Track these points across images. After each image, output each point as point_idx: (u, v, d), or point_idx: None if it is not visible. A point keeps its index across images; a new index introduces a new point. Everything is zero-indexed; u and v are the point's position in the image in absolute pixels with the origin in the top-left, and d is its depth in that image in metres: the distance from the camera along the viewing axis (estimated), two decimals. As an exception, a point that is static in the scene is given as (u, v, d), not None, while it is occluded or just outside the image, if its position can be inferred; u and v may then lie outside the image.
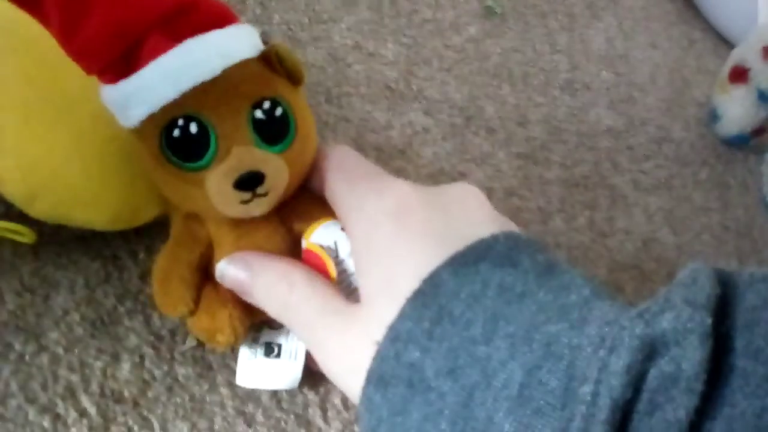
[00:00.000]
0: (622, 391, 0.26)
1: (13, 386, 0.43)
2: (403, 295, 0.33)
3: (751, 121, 0.80)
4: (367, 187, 0.39)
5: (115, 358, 0.46)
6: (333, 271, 0.39)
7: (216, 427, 0.45)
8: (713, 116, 0.83)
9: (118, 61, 0.37)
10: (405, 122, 0.66)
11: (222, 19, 0.38)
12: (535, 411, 0.28)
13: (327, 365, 0.37)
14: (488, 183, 0.66)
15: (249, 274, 0.40)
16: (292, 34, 0.69)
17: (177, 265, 0.43)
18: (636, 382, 0.27)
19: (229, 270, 0.41)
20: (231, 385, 0.47)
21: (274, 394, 0.47)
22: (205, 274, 0.43)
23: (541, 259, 0.34)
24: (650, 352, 0.27)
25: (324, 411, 0.47)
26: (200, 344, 0.47)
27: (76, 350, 0.46)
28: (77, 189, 0.44)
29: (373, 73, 0.69)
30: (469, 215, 0.37)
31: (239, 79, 0.38)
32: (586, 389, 0.27)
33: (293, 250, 0.42)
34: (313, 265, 0.41)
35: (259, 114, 0.38)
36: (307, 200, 0.43)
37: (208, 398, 0.46)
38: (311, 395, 0.48)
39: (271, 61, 0.39)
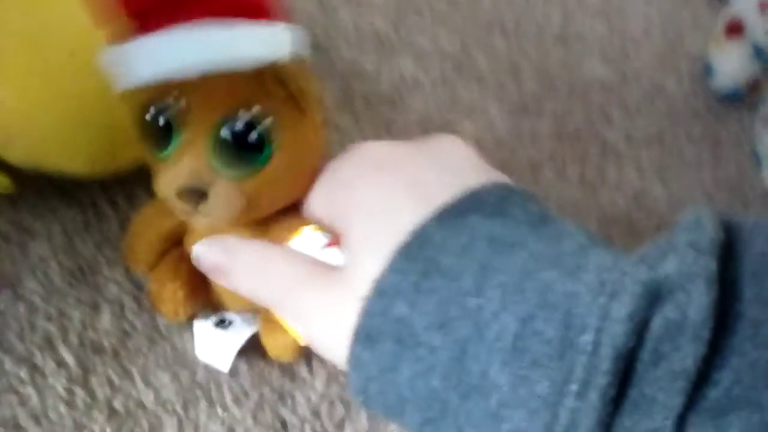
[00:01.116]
0: (625, 340, 0.25)
1: (-11, 336, 0.42)
2: (389, 249, 0.32)
3: (746, 76, 0.79)
4: (338, 159, 0.37)
5: (95, 308, 0.45)
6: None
7: (198, 378, 0.44)
8: (707, 71, 0.81)
9: (129, 21, 0.34)
10: (394, 71, 0.65)
11: (245, 12, 0.34)
12: (532, 363, 0.27)
13: (312, 333, 0.35)
14: (478, 134, 0.64)
15: (227, 256, 0.38)
16: (278, -21, 0.67)
17: (148, 229, 0.42)
18: (639, 330, 0.25)
19: (206, 253, 0.38)
20: (214, 336, 0.46)
21: (258, 345, 0.46)
22: (174, 243, 0.42)
23: (533, 209, 0.32)
24: (653, 298, 0.25)
25: (309, 362, 0.47)
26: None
27: (54, 300, 0.44)
28: (52, 132, 0.43)
29: (362, 22, 0.67)
30: (456, 166, 0.35)
31: (218, 90, 0.34)
32: (587, 338, 0.25)
33: None
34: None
35: (225, 134, 0.35)
36: (291, 216, 0.39)
37: (190, 349, 0.45)
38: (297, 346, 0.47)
39: (268, 81, 0.35)
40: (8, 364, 0.42)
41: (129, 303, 0.45)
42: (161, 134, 0.35)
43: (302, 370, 0.46)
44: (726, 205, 0.70)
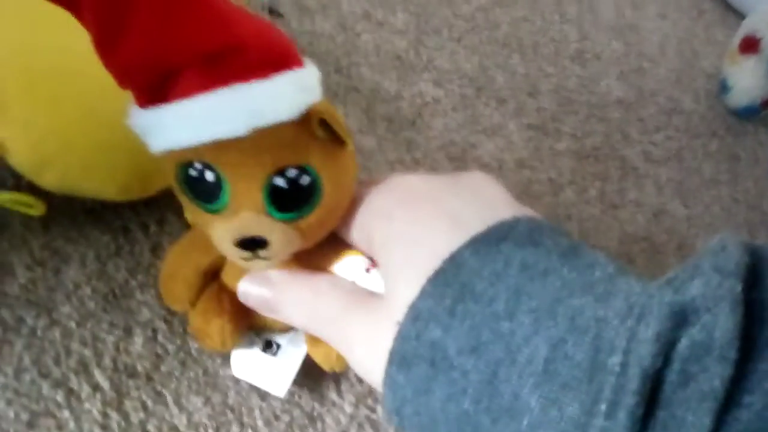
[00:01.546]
0: (653, 361, 0.25)
1: (26, 361, 0.43)
2: (424, 275, 0.32)
3: (762, 92, 0.79)
4: (375, 191, 0.38)
5: (128, 332, 0.45)
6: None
7: (230, 401, 0.45)
8: (723, 87, 0.82)
9: (150, 87, 0.33)
10: (415, 92, 0.66)
11: (277, 62, 0.34)
12: (562, 386, 0.27)
13: (353, 358, 0.36)
14: (499, 154, 0.65)
15: (273, 290, 0.39)
16: (300, 2, 0.67)
17: (185, 265, 0.42)
18: (666, 352, 0.26)
19: (252, 289, 0.40)
20: (245, 359, 0.46)
21: (288, 368, 0.47)
22: (212, 277, 0.42)
23: (563, 241, 0.33)
24: (680, 320, 0.26)
25: (338, 384, 0.47)
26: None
27: (89, 324, 0.45)
28: (86, 158, 0.44)
29: (382, 43, 0.68)
30: (488, 200, 0.36)
31: (266, 144, 0.34)
32: (615, 360, 0.26)
33: None
34: None
35: (279, 182, 0.35)
36: (331, 240, 0.40)
37: (221, 372, 0.46)
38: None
39: (313, 123, 0.34)
40: (45, 389, 0.42)
41: (161, 326, 0.46)
42: (209, 188, 0.35)
43: (331, 393, 0.47)
44: (744, 221, 0.70)
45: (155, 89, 0.33)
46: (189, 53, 0.32)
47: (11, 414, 0.41)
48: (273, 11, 0.62)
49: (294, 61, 0.34)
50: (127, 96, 0.39)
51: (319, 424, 0.46)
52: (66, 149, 0.44)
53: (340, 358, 0.43)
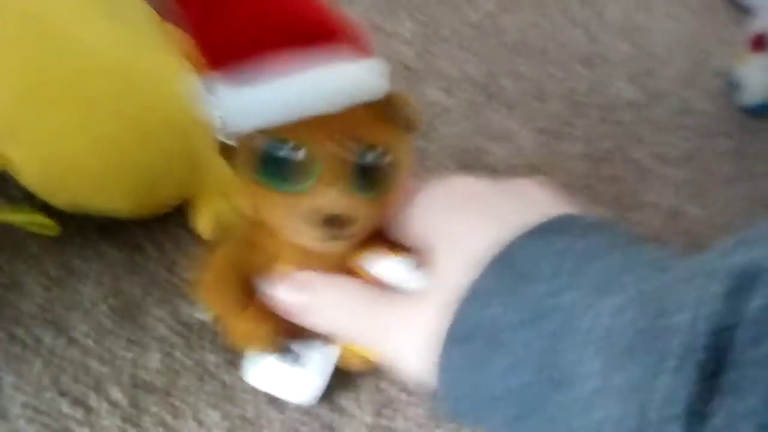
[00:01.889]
0: (723, 317, 0.24)
1: (46, 379, 0.43)
2: (479, 261, 0.32)
3: (773, 89, 0.79)
4: (433, 189, 0.38)
5: (145, 348, 0.46)
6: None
7: (248, 414, 0.45)
8: (734, 86, 0.81)
9: (244, 65, 0.35)
10: (424, 101, 0.66)
11: (357, 50, 0.36)
12: (625, 350, 0.26)
13: (390, 346, 0.35)
14: (510, 160, 0.65)
15: (306, 295, 0.38)
16: (307, 15, 0.68)
17: (234, 269, 0.41)
18: (736, 311, 0.24)
19: (284, 295, 0.39)
20: (262, 372, 0.46)
21: (306, 379, 0.46)
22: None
23: (624, 234, 0.32)
24: (751, 280, 0.25)
25: (357, 394, 0.47)
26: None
27: (106, 342, 0.45)
28: (96, 178, 0.44)
29: (391, 53, 0.68)
30: (543, 202, 0.35)
31: (356, 121, 0.35)
32: (684, 316, 0.25)
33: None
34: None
35: (367, 159, 0.36)
36: (379, 237, 0.40)
37: (239, 386, 0.45)
38: (343, 379, 0.47)
39: (390, 108, 0.36)
40: (65, 407, 0.42)
41: (177, 342, 0.46)
42: (295, 169, 0.35)
43: (351, 405, 0.46)
44: (761, 220, 0.69)
45: (248, 68, 0.35)
46: (284, 35, 0.34)
47: (31, 433, 0.41)
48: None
49: (370, 51, 0.37)
50: (138, 110, 0.39)
51: (338, 436, 0.45)
52: (76, 170, 0.44)
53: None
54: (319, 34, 0.35)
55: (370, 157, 0.36)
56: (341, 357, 0.44)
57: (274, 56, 0.34)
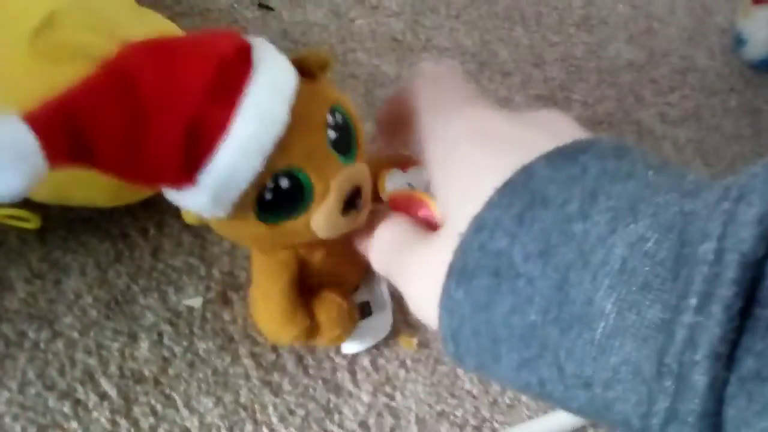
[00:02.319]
0: (754, 245, 0.21)
1: (31, 374, 0.42)
2: (491, 189, 0.28)
3: (778, 42, 0.76)
4: (447, 112, 0.36)
5: (133, 337, 0.44)
6: (427, 198, 0.38)
7: (242, 399, 0.43)
8: (738, 41, 0.79)
9: (186, 159, 0.32)
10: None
11: (240, 50, 0.34)
12: (642, 286, 0.23)
13: (411, 291, 0.33)
14: (507, 128, 0.63)
15: (369, 231, 0.38)
16: (290, -7, 0.66)
17: (279, 295, 0.40)
18: None
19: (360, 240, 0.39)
20: (254, 355, 0.45)
21: (300, 360, 0.45)
22: (299, 290, 0.42)
23: (653, 158, 0.29)
24: None
25: (353, 374, 0.46)
26: (218, 317, 0.46)
27: (92, 333, 0.44)
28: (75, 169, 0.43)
29: (378, 26, 0.66)
30: (562, 127, 0.31)
31: (306, 110, 0.34)
32: (707, 247, 0.22)
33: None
34: (404, 208, 0.39)
35: (331, 133, 0.35)
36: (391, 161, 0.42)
37: (231, 371, 0.44)
38: (338, 359, 0.46)
39: (311, 69, 0.35)
40: (51, 401, 0.41)
41: (166, 329, 0.45)
42: (289, 194, 0.34)
43: (347, 383, 0.45)
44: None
45: (191, 157, 0.32)
46: (198, 96, 0.32)
47: (18, 429, 0.40)
48: (263, 5, 0.61)
49: (244, 41, 0.35)
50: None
51: (336, 416, 0.44)
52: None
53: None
54: (223, 70, 0.32)
55: (332, 129, 0.35)
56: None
57: (202, 125, 0.32)
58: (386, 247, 0.36)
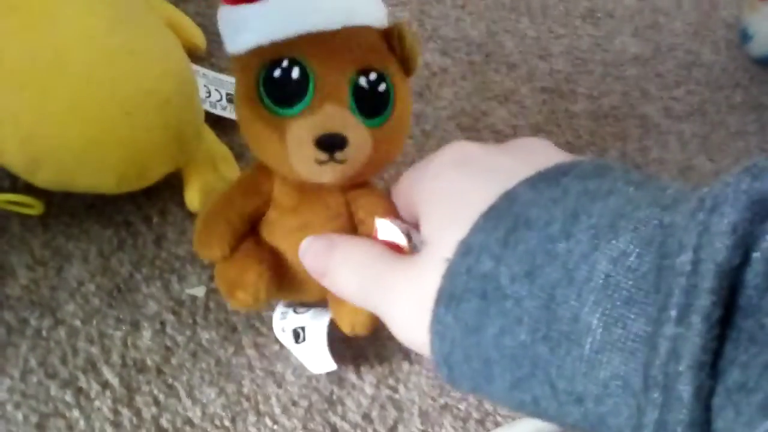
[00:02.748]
0: (728, 255, 0.21)
1: (32, 362, 0.42)
2: (474, 218, 0.29)
3: (785, 38, 0.76)
4: (430, 156, 0.36)
5: (135, 326, 0.44)
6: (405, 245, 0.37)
7: (245, 390, 0.43)
8: (744, 36, 0.79)
9: None
10: (421, 64, 0.63)
11: None
12: (626, 301, 0.24)
13: (396, 315, 0.33)
14: (513, 120, 0.63)
15: (332, 246, 0.37)
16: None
17: (229, 208, 0.41)
18: (746, 248, 0.22)
19: (315, 244, 0.38)
20: (258, 345, 0.45)
21: (303, 352, 0.45)
22: (251, 229, 0.41)
23: (634, 175, 0.29)
24: (761, 211, 0.22)
25: (357, 366, 0.45)
26: (221, 306, 0.46)
27: (94, 321, 0.44)
28: (79, 152, 0.42)
29: (383, 16, 0.66)
30: (541, 155, 0.32)
31: (355, 42, 0.37)
32: (684, 258, 0.22)
33: (347, 231, 0.41)
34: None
35: (362, 82, 0.37)
36: (378, 197, 0.40)
37: (234, 361, 0.44)
38: (343, 350, 0.45)
39: (391, 37, 0.38)
40: (53, 389, 0.41)
41: (169, 318, 0.45)
42: (292, 86, 0.36)
43: (351, 375, 0.45)
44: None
45: None
46: None
47: (20, 417, 0.40)
48: None
49: None
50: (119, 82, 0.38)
51: (339, 408, 0.44)
52: (56, 145, 0.43)
53: (363, 318, 0.41)
54: None
55: (364, 80, 0.37)
56: (345, 314, 0.42)
57: None
58: (360, 267, 0.35)
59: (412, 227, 0.37)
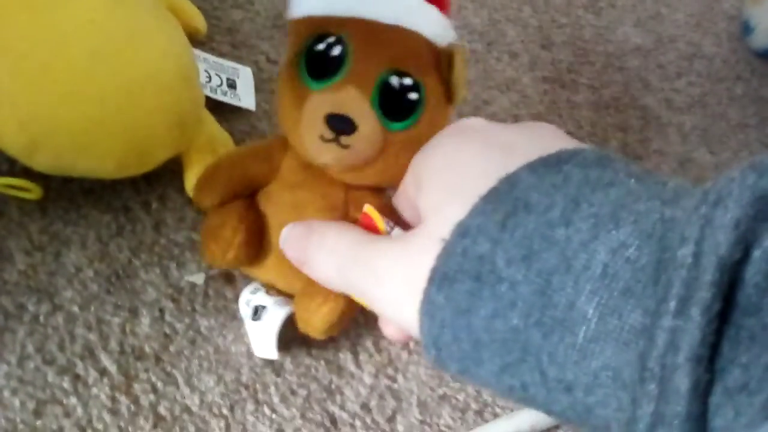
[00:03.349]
0: (731, 249, 0.21)
1: (30, 348, 0.41)
2: (475, 196, 0.28)
3: (787, 30, 0.76)
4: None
5: (134, 313, 0.44)
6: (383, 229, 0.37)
7: (243, 378, 0.43)
8: (746, 29, 0.78)
9: None
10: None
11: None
12: (623, 291, 0.24)
13: (383, 293, 0.32)
14: (514, 110, 0.62)
15: (311, 233, 0.36)
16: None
17: (235, 163, 0.42)
18: (748, 244, 0.21)
19: (294, 231, 0.37)
20: (256, 334, 0.45)
21: (303, 340, 0.45)
22: (249, 192, 0.42)
23: (634, 167, 0.29)
24: (764, 207, 0.22)
25: (356, 355, 0.45)
26: (220, 294, 0.45)
27: (92, 308, 0.43)
28: (78, 135, 0.42)
29: (385, 2, 0.65)
30: (545, 137, 0.31)
31: (402, 43, 0.37)
32: (686, 251, 0.22)
33: None
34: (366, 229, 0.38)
35: (394, 81, 0.37)
36: (377, 198, 0.40)
37: (233, 349, 0.44)
38: (342, 339, 0.45)
39: (442, 57, 0.38)
40: (50, 376, 0.41)
41: (168, 305, 0.44)
42: (328, 63, 0.37)
43: (350, 365, 0.45)
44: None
45: None
46: None
47: (17, 403, 0.40)
48: None
49: (446, 7, 0.39)
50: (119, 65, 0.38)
51: (338, 397, 0.44)
52: (55, 128, 0.42)
53: (323, 319, 0.41)
54: None
55: (396, 80, 0.37)
56: (299, 320, 0.42)
57: None
58: (337, 249, 0.34)
59: (398, 226, 0.36)
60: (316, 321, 0.41)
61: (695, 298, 0.21)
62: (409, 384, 0.45)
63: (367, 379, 0.45)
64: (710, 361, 0.21)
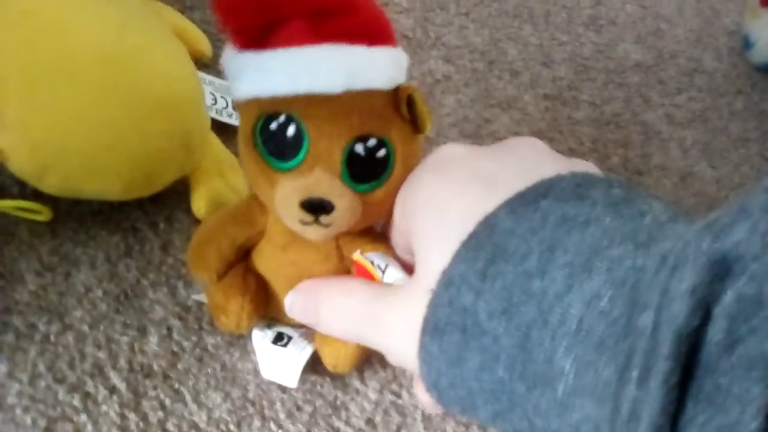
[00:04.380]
0: (687, 321, 0.21)
1: (41, 367, 0.42)
2: (457, 240, 0.30)
3: (787, 45, 0.77)
4: (418, 166, 0.36)
5: (142, 331, 0.45)
6: (378, 277, 0.37)
7: (250, 395, 0.44)
8: (746, 44, 0.79)
9: (254, 30, 0.34)
10: (425, 71, 0.64)
11: (377, 34, 0.35)
12: (597, 346, 0.24)
13: (392, 345, 0.33)
14: (515, 127, 0.63)
15: (316, 298, 0.38)
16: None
17: (221, 235, 0.41)
18: (707, 307, 0.21)
19: (298, 300, 0.39)
20: (263, 351, 0.45)
21: (310, 358, 0.45)
22: (243, 255, 0.42)
23: (616, 192, 0.29)
24: (721, 271, 0.21)
25: (360, 371, 0.46)
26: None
27: (102, 327, 0.44)
28: (87, 159, 0.43)
29: (387, 23, 0.66)
30: (531, 159, 0.32)
31: (356, 108, 0.35)
32: (646, 319, 0.22)
33: (338, 273, 0.41)
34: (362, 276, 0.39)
35: (359, 149, 0.35)
36: (371, 236, 0.40)
37: (240, 366, 0.45)
38: (346, 357, 0.46)
39: (399, 101, 0.35)
40: (61, 394, 0.41)
41: (175, 324, 0.45)
42: (287, 144, 0.35)
43: (354, 381, 0.45)
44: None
45: (258, 33, 0.34)
46: (300, 4, 0.33)
47: (28, 420, 0.40)
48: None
49: (391, 39, 0.36)
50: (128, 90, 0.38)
51: (343, 413, 0.44)
52: (65, 152, 0.43)
53: (345, 358, 0.43)
54: (341, 10, 0.34)
55: (361, 147, 0.35)
56: (328, 352, 0.43)
57: (291, 24, 0.34)
58: (348, 313, 0.36)
59: (393, 260, 0.37)
60: (345, 360, 0.43)
61: (654, 369, 0.22)
62: (413, 399, 0.46)
63: (372, 395, 0.45)
64: (675, 418, 0.22)
